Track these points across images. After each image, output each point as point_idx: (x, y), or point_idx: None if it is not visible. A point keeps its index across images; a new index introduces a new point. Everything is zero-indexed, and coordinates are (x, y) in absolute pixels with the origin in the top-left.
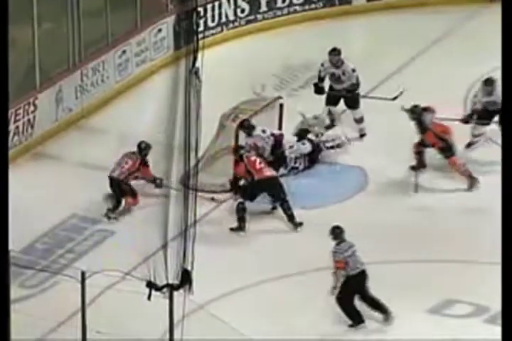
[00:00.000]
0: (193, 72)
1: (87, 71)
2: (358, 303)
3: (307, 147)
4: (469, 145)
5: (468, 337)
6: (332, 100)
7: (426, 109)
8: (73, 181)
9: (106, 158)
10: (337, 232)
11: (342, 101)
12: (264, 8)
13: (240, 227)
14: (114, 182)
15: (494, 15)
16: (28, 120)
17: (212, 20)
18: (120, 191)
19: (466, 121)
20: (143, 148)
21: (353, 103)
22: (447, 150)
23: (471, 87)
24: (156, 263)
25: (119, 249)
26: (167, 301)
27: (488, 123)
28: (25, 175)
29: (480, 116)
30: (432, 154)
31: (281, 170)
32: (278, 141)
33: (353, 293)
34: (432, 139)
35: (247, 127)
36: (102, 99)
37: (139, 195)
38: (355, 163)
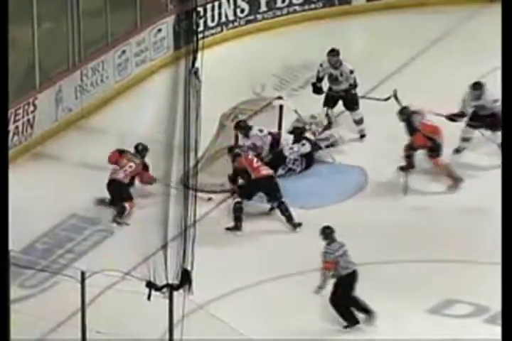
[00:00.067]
0: (193, 72)
1: (87, 71)
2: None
3: (307, 147)
4: (457, 151)
5: (468, 337)
6: (330, 101)
7: (415, 112)
8: (73, 181)
9: (106, 158)
10: (327, 232)
11: (340, 102)
12: (263, 8)
13: (237, 227)
14: (118, 185)
15: (494, 15)
16: (28, 120)
17: (212, 20)
18: (126, 194)
19: (452, 118)
20: (141, 150)
21: (351, 104)
22: (434, 150)
23: None
24: (155, 263)
25: (118, 249)
26: (167, 301)
27: (479, 127)
28: (25, 175)
29: (470, 119)
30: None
31: (279, 171)
32: (276, 139)
33: (345, 293)
34: (421, 140)
35: (243, 128)
36: (101, 99)
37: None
38: (355, 164)
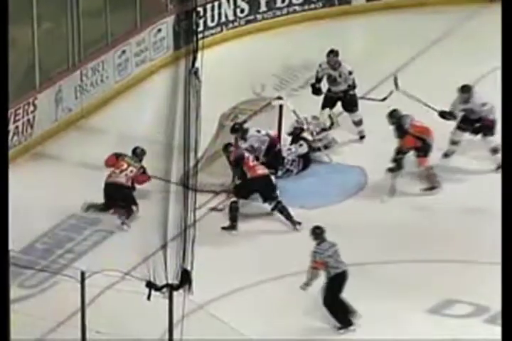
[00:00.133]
0: (193, 72)
1: (87, 71)
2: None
3: (304, 148)
4: (446, 155)
5: (468, 337)
6: (329, 102)
7: (405, 114)
8: (73, 181)
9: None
10: (317, 232)
11: (339, 104)
12: (263, 8)
13: (232, 226)
14: (119, 188)
15: (494, 15)
16: (28, 120)
17: (212, 20)
18: (132, 198)
19: (443, 116)
20: (139, 154)
21: (350, 106)
22: (422, 149)
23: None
24: (155, 263)
25: (118, 249)
26: (167, 301)
27: (468, 130)
28: (25, 175)
29: (460, 122)
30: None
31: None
32: (274, 144)
33: (337, 294)
34: (410, 142)
35: (238, 130)
36: (101, 99)
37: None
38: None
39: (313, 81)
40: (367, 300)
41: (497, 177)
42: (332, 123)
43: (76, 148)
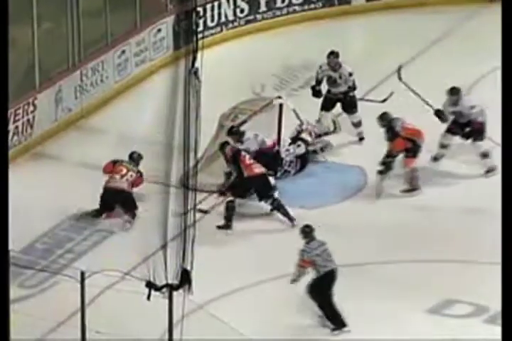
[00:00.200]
0: (193, 72)
1: (87, 71)
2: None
3: (302, 149)
4: (435, 159)
5: (468, 337)
6: (328, 103)
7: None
8: (73, 181)
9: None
10: (307, 231)
11: (339, 105)
12: (263, 8)
13: (227, 225)
14: (120, 193)
15: (494, 15)
16: (28, 120)
17: (212, 20)
18: (134, 203)
19: (438, 115)
20: (136, 159)
21: (350, 107)
22: (411, 150)
23: (471, 87)
24: (155, 263)
25: (118, 249)
26: (166, 301)
27: (458, 134)
28: (25, 175)
29: (450, 125)
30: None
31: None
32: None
33: (327, 293)
34: (400, 145)
35: (234, 133)
36: (101, 99)
37: None
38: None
39: (313, 82)
40: (367, 300)
41: (486, 182)
42: (335, 128)
43: (76, 148)
